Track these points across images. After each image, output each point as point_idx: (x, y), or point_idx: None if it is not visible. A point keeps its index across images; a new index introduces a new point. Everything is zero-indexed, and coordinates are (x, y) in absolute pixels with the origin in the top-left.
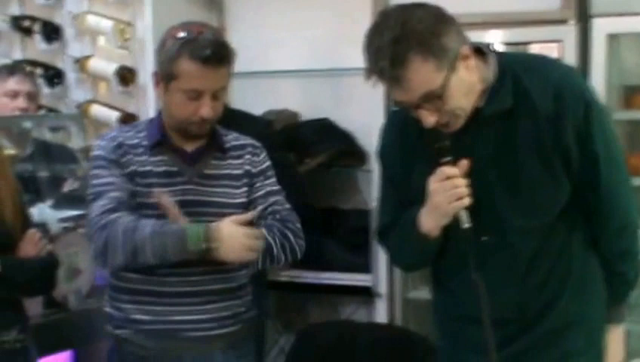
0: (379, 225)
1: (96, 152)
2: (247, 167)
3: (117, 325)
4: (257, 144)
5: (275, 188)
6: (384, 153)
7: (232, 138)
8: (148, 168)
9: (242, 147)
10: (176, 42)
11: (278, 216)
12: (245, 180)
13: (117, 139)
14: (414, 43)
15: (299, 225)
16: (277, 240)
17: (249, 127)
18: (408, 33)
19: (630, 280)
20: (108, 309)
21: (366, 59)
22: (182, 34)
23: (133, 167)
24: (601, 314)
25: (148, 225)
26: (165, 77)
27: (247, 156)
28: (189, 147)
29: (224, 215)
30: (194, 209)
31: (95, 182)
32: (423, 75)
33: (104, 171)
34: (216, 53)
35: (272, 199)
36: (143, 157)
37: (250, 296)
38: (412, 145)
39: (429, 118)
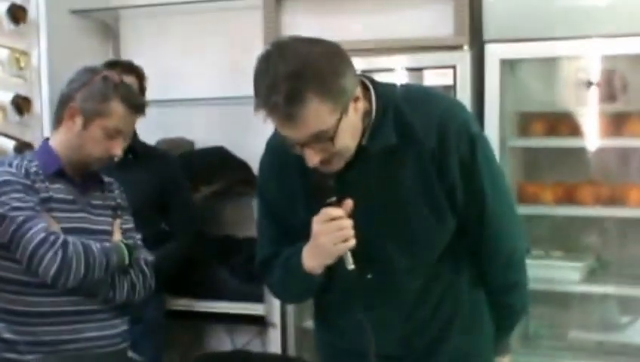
0: (259, 258)
1: (5, 177)
2: (119, 200)
3: (25, 351)
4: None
5: (133, 225)
6: (264, 187)
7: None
8: (49, 194)
9: (110, 183)
10: (107, 83)
11: (142, 256)
12: (116, 212)
13: (22, 166)
14: (313, 81)
15: (152, 260)
16: (140, 277)
17: (158, 164)
18: (308, 70)
19: (518, 311)
20: (6, 336)
21: (256, 92)
22: (110, 76)
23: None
24: (489, 348)
25: (92, 243)
26: (90, 113)
27: (117, 191)
28: (78, 178)
29: (107, 242)
30: (87, 236)
31: (19, 205)
32: (318, 115)
33: (24, 196)
34: (143, 103)
35: (137, 236)
36: (45, 184)
37: None
38: (293, 178)
39: (313, 158)
